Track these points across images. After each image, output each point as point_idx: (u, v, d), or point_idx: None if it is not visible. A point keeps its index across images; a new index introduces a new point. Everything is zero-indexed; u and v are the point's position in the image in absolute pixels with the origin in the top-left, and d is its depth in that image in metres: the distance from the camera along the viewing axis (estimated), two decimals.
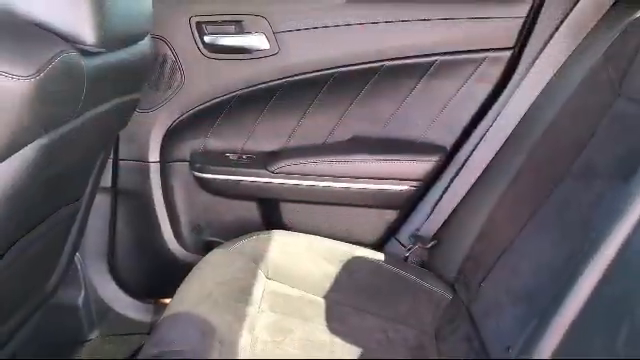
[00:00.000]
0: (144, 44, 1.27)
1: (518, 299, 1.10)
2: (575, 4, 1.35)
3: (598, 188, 1.05)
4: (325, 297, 1.34)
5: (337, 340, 1.20)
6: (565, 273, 0.95)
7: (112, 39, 1.05)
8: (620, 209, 0.89)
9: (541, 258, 1.10)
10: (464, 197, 1.45)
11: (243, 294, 1.24)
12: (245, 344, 1.10)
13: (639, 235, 0.83)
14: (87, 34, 0.98)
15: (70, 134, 1.06)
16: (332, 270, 1.38)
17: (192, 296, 1.20)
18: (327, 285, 1.35)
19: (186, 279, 1.28)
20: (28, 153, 0.96)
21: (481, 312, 1.22)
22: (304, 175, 1.54)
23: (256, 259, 1.37)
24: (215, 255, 1.39)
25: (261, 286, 1.31)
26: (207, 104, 1.56)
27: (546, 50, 1.38)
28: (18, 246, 1.14)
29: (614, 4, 1.32)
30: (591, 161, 1.14)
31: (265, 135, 1.58)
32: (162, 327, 1.11)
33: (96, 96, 1.11)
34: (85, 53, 1.00)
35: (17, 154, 0.95)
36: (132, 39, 1.18)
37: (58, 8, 0.98)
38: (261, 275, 1.33)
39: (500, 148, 1.40)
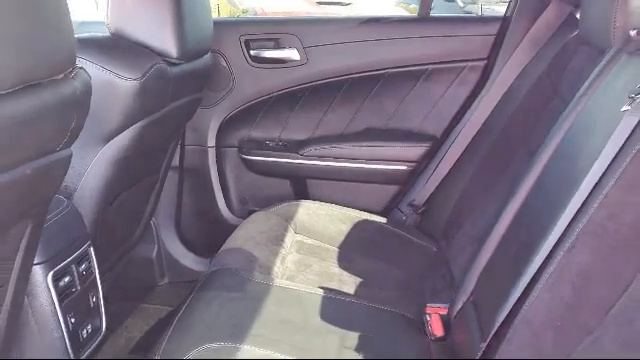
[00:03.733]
0: (207, 57, 1.74)
1: (474, 241, 1.51)
2: (533, 24, 1.75)
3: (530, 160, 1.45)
4: (338, 247, 1.75)
5: (345, 273, 1.61)
6: (500, 216, 1.36)
7: (187, 54, 1.52)
8: (528, 172, 1.29)
9: (492, 212, 1.50)
10: (447, 174, 1.86)
11: (277, 240, 1.68)
12: (277, 270, 1.54)
13: (535, 189, 1.24)
14: (172, 51, 1.46)
15: (158, 120, 1.53)
16: (345, 228, 1.81)
17: (240, 238, 1.64)
18: (340, 238, 1.77)
19: (237, 229, 1.73)
20: (133, 131, 1.43)
21: (453, 256, 1.63)
22: (326, 157, 1.98)
23: (287, 219, 1.80)
24: (257, 215, 1.83)
25: (291, 237, 1.74)
26: (252, 103, 2.01)
27: (511, 60, 1.78)
28: (119, 200, 1.61)
29: (561, 25, 1.71)
30: (532, 144, 1.53)
31: (296, 126, 2.03)
32: (219, 256, 1.56)
33: (176, 94, 1.59)
34: (170, 64, 1.47)
35: (126, 131, 1.42)
36: (200, 53, 1.65)
37: (153, 33, 1.45)
38: (291, 230, 1.76)
39: (474, 136, 1.81)
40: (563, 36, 1.66)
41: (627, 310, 0.85)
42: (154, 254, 2.09)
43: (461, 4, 7.04)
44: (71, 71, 0.89)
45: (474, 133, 1.81)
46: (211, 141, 2.05)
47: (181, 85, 1.58)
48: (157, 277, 2.11)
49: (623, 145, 0.95)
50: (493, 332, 1.05)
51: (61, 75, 0.86)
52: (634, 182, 0.91)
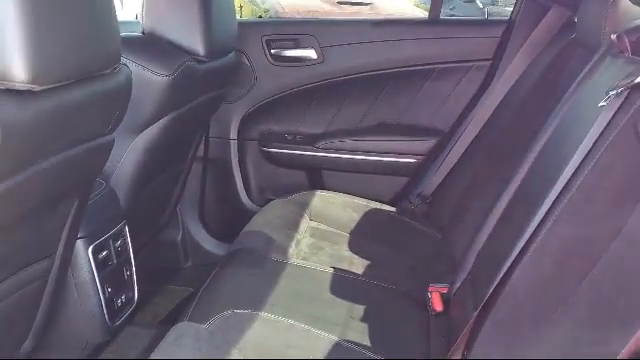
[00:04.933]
0: (231, 55, 1.88)
1: (475, 227, 1.62)
2: (535, 27, 1.86)
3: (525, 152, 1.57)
4: (350, 233, 1.87)
5: (355, 256, 1.74)
6: (497, 203, 1.48)
7: (214, 53, 1.66)
8: (522, 163, 1.42)
9: (491, 200, 1.62)
10: (454, 166, 1.98)
11: (293, 225, 1.81)
12: (292, 252, 1.67)
13: (527, 178, 1.36)
14: (200, 50, 1.60)
15: (186, 113, 1.67)
16: (356, 216, 1.93)
17: (259, 223, 1.78)
18: (352, 225, 1.89)
19: (256, 215, 1.87)
20: (163, 122, 1.58)
21: (456, 242, 1.74)
22: (341, 150, 2.11)
23: (303, 206, 1.93)
24: (275, 203, 1.96)
25: (305, 223, 1.86)
26: (272, 98, 2.15)
27: (514, 61, 1.89)
28: (149, 187, 1.76)
29: (561, 28, 1.82)
30: (529, 138, 1.65)
31: (313, 121, 2.16)
32: (240, 238, 1.70)
33: (202, 89, 1.73)
34: (198, 61, 1.61)
35: (157, 122, 1.56)
36: (225, 52, 1.80)
37: (183, 33, 1.59)
38: (306, 216, 1.89)
39: (479, 131, 1.93)
40: (562, 38, 1.77)
41: (597, 278, 0.96)
42: (179, 238, 2.24)
43: (480, 5, 7.12)
44: (116, 67, 1.04)
45: (479, 129, 1.93)
46: (233, 134, 2.19)
47: (207, 81, 1.73)
48: (182, 260, 2.26)
49: (599, 136, 1.07)
50: (482, 304, 1.18)
51: (108, 70, 1.00)
52: (607, 168, 1.04)
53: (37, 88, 0.81)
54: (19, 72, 0.78)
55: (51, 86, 0.84)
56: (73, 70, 0.89)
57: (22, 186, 0.88)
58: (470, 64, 1.99)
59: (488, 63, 1.97)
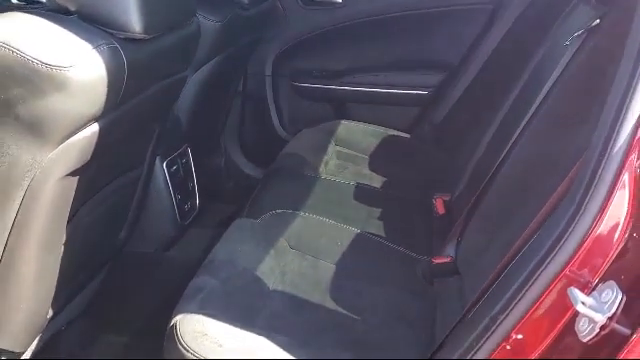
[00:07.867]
0: (269, 2, 2.18)
1: (473, 146, 1.94)
2: None
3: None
4: (370, 156, 2.20)
5: (374, 174, 2.07)
6: (490, 125, 1.80)
7: (255, 1, 1.97)
8: (511, 90, 1.72)
9: (489, 123, 1.92)
10: (460, 96, 2.27)
11: (322, 149, 2.14)
12: (322, 169, 2.00)
13: (513, 104, 1.67)
14: None
15: (232, 53, 1.99)
16: (375, 142, 2.25)
17: (293, 147, 2.12)
18: (372, 149, 2.21)
19: (289, 142, 2.20)
20: (214, 61, 1.90)
21: (458, 160, 2.06)
22: (362, 84, 2.41)
23: (330, 134, 2.25)
24: (305, 131, 2.29)
25: (332, 147, 2.19)
26: (302, 39, 2.43)
27: (512, 5, 2.15)
28: (199, 119, 2.09)
29: None
30: (520, 71, 1.93)
31: (338, 58, 2.44)
32: (278, 159, 2.05)
33: (245, 32, 2.04)
34: (244, 8, 1.92)
35: (210, 62, 1.89)
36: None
37: None
38: (332, 142, 2.21)
39: (482, 66, 2.21)
40: None
41: (550, 181, 1.28)
42: (222, 163, 2.58)
43: None
44: (193, 18, 1.36)
45: (481, 64, 2.22)
46: (268, 71, 2.47)
47: (249, 25, 2.04)
48: (225, 182, 2.61)
49: (563, 70, 1.37)
50: (473, 201, 1.52)
51: (188, 21, 1.33)
52: (567, 97, 1.35)
53: (147, 37, 1.14)
54: (136, 25, 1.11)
55: (155, 35, 1.17)
56: (170, 23, 1.21)
57: (134, 108, 1.22)
58: (475, 7, 2.26)
59: (491, 6, 2.24)
